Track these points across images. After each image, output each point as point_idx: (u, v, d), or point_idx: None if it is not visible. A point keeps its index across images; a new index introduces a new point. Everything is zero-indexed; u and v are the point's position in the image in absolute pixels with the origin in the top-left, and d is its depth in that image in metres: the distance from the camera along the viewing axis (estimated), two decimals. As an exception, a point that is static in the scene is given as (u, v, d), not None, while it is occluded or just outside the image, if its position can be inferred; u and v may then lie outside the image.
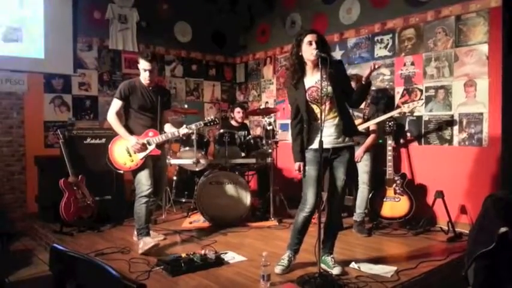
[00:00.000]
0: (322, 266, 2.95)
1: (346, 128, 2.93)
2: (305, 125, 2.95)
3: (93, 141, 4.83)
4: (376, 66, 2.91)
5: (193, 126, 3.74)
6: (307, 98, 2.91)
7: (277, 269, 2.99)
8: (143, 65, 3.58)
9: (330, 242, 3.09)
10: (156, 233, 3.99)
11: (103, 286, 1.19)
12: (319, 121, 2.83)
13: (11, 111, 4.97)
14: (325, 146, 2.82)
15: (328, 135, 2.86)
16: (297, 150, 2.97)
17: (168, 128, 3.79)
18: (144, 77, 3.62)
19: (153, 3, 6.13)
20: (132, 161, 3.61)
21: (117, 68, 5.83)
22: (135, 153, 3.59)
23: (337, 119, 2.91)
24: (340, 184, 2.98)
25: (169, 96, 3.93)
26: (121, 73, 5.84)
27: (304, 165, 2.95)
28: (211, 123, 3.87)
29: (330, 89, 2.84)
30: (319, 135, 2.80)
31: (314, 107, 2.93)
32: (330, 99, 2.87)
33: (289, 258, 3.05)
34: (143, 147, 3.58)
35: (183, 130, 3.67)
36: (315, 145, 2.90)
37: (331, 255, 3.07)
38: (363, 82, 2.89)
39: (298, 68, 2.92)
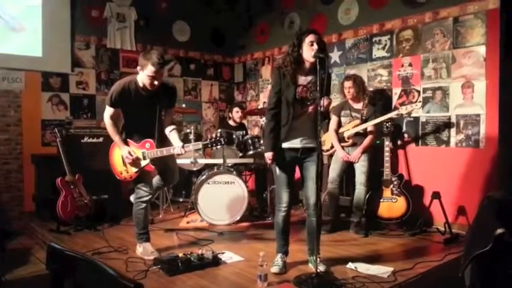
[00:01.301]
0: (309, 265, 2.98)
1: (316, 134, 2.93)
2: (286, 120, 2.95)
3: (90, 140, 4.82)
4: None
5: (190, 146, 3.31)
6: (296, 95, 2.92)
7: (274, 269, 2.99)
8: (149, 71, 3.07)
9: (313, 242, 3.02)
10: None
11: (100, 285, 1.19)
12: (300, 119, 2.93)
13: (9, 109, 4.96)
14: (295, 145, 2.94)
15: (300, 135, 2.90)
16: (269, 143, 2.98)
17: (169, 132, 3.41)
18: (146, 83, 3.15)
19: (151, 2, 6.12)
20: (128, 172, 3.37)
21: (115, 67, 5.82)
22: (130, 165, 3.32)
23: (313, 122, 2.92)
24: (312, 183, 2.98)
25: (173, 94, 3.44)
26: (119, 72, 5.83)
27: (275, 160, 3.00)
28: (212, 145, 3.35)
29: (317, 94, 2.84)
30: (295, 134, 2.94)
31: (300, 105, 2.94)
32: (315, 103, 2.88)
33: (282, 260, 3.06)
34: (136, 161, 3.28)
35: (178, 150, 3.22)
36: (288, 144, 2.97)
37: (318, 255, 3.04)
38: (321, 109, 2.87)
39: (296, 67, 2.92)
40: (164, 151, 3.28)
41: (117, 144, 3.34)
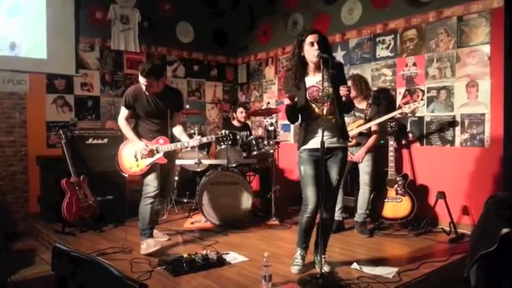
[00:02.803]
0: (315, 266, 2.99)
1: (342, 131, 2.97)
2: (305, 123, 2.98)
3: (95, 141, 4.84)
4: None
5: (204, 139, 3.68)
6: (308, 97, 2.92)
7: (294, 269, 3.01)
8: (140, 79, 3.46)
9: (322, 242, 3.02)
10: (161, 233, 3.99)
11: (105, 286, 1.20)
12: (317, 121, 2.90)
13: (13, 111, 4.98)
14: (319, 145, 2.85)
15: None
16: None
17: (179, 132, 3.73)
18: (146, 90, 3.51)
19: (154, 4, 6.14)
20: (138, 166, 3.59)
21: (119, 69, 5.84)
22: (142, 158, 3.56)
23: (333, 120, 2.92)
24: (333, 184, 2.98)
25: (179, 98, 3.80)
26: (123, 73, 5.85)
27: (299, 158, 3.00)
28: (224, 139, 3.72)
29: (331, 90, 2.86)
30: (315, 135, 2.91)
31: (313, 106, 2.94)
32: (330, 100, 2.88)
33: (302, 257, 3.06)
34: (151, 153, 3.55)
35: (194, 142, 3.61)
36: (310, 145, 2.95)
37: (323, 255, 3.05)
38: (343, 100, 2.85)
39: (300, 69, 2.93)
40: (178, 145, 3.63)
41: (132, 141, 3.60)
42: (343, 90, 2.77)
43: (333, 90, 2.85)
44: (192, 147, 3.63)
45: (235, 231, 4.22)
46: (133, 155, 3.60)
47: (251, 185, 4.82)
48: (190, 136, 4.89)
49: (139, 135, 3.62)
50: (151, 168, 3.56)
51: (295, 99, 2.85)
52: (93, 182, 4.52)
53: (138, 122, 3.68)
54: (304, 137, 2.97)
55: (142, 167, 3.57)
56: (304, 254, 3.08)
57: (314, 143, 2.94)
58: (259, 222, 4.61)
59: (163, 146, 3.58)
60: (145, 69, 3.38)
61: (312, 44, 2.85)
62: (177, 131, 3.74)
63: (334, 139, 2.93)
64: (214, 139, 3.71)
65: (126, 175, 3.75)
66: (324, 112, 2.84)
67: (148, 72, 3.38)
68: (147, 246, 3.45)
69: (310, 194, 2.95)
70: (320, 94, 2.86)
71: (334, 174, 2.97)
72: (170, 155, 3.73)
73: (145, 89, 3.48)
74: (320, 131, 2.84)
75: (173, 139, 3.70)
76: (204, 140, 3.68)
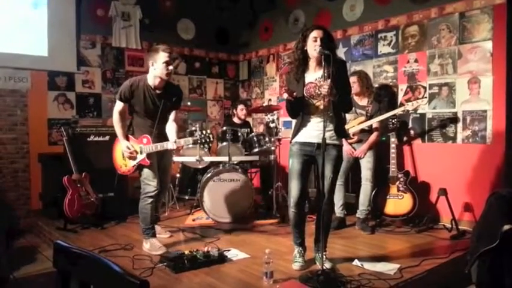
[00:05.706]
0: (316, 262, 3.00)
1: (337, 128, 2.95)
2: (300, 118, 2.97)
3: (96, 138, 4.84)
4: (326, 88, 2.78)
5: (182, 141, 3.39)
6: (304, 93, 2.92)
7: (295, 266, 3.02)
8: (162, 57, 3.32)
9: (322, 239, 3.02)
10: (163, 230, 3.99)
11: (106, 282, 1.20)
12: (311, 116, 2.92)
13: (15, 108, 4.98)
14: (311, 140, 2.91)
15: (316, 129, 2.87)
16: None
17: (170, 130, 3.56)
18: (162, 73, 3.35)
19: (156, 1, 6.13)
20: (126, 165, 3.54)
21: (120, 66, 5.84)
22: (129, 158, 3.48)
23: (331, 117, 2.89)
24: (327, 182, 2.95)
25: (179, 95, 3.66)
26: (124, 70, 5.85)
27: (290, 150, 3.01)
28: (203, 142, 3.40)
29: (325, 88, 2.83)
30: (307, 129, 2.93)
31: (309, 102, 2.93)
32: (327, 98, 2.86)
33: (300, 254, 3.07)
34: (133, 154, 3.43)
35: (171, 145, 3.37)
36: (300, 138, 2.96)
37: (324, 252, 3.05)
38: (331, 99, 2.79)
39: (302, 63, 2.94)
40: (158, 146, 3.43)
41: (119, 138, 3.53)
42: (323, 88, 2.71)
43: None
44: (172, 150, 3.42)
45: (237, 228, 4.22)
46: (122, 153, 3.52)
47: (252, 182, 4.82)
48: (192, 133, 4.93)
49: (132, 132, 3.56)
50: (149, 166, 3.44)
51: (294, 94, 2.84)
52: (95, 179, 4.52)
53: (133, 118, 3.59)
54: (297, 130, 2.98)
55: (129, 168, 3.52)
56: (301, 251, 3.09)
57: (304, 136, 2.95)
58: (261, 219, 4.61)
59: (146, 146, 3.42)
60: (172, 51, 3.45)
61: (315, 39, 2.85)
62: (170, 128, 3.57)
63: (326, 135, 2.87)
64: (191, 142, 3.40)
65: (119, 173, 3.69)
66: (321, 109, 2.85)
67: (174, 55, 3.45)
68: (151, 246, 3.44)
69: (292, 189, 2.97)
70: (317, 91, 2.87)
71: (327, 172, 2.92)
72: (166, 154, 3.66)
73: (170, 67, 3.35)
74: (313, 126, 2.90)
75: (162, 138, 3.52)
76: (182, 142, 3.38)
